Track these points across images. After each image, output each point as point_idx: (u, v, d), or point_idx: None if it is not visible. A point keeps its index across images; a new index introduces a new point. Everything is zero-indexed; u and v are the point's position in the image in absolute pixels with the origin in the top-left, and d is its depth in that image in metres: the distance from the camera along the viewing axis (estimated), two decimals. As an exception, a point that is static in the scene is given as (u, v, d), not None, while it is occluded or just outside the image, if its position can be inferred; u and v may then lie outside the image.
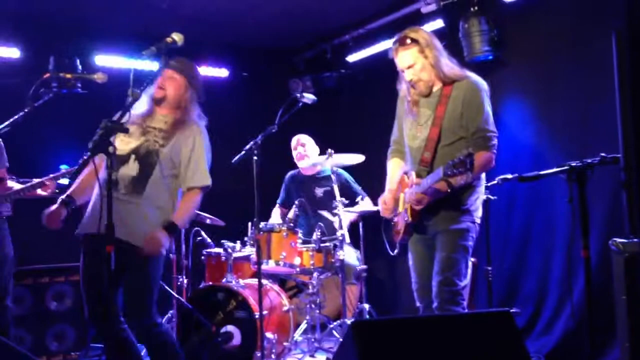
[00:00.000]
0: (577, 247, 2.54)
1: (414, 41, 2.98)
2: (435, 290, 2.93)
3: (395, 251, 3.19)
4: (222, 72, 6.07)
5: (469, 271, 3.03)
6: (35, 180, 3.86)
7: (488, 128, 2.95)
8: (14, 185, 3.96)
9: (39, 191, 3.87)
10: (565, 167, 2.49)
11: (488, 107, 2.99)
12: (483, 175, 3.10)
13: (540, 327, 4.18)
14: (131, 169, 3.07)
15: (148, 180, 3.05)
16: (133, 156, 3.08)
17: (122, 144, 3.10)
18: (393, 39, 3.08)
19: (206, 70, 5.91)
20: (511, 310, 3.32)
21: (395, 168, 3.27)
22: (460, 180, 2.81)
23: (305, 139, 5.03)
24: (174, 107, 3.18)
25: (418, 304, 3.10)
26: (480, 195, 3.08)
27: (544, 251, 4.25)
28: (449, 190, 2.84)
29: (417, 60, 2.99)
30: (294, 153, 5.02)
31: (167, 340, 3.08)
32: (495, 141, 2.97)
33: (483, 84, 3.03)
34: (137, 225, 3.01)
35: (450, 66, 3.01)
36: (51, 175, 3.86)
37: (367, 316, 4.46)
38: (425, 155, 2.98)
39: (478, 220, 3.05)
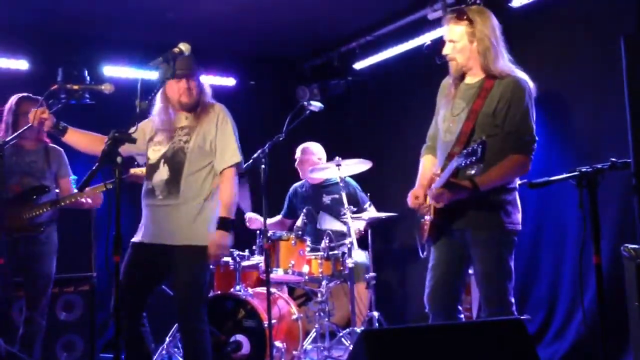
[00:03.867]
0: (588, 252, 2.50)
1: (470, 21, 2.79)
2: (484, 303, 2.84)
3: (425, 253, 3.04)
4: (229, 81, 6.09)
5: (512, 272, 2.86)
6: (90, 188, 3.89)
7: (526, 130, 2.75)
8: None
9: (86, 199, 3.87)
10: (576, 173, 2.45)
11: (529, 109, 2.77)
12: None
13: (552, 334, 4.14)
14: (162, 173, 3.14)
15: (180, 180, 3.11)
16: (162, 161, 3.16)
17: (153, 153, 3.22)
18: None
19: (213, 80, 5.93)
20: (522, 317, 3.28)
21: (427, 164, 3.08)
22: (492, 182, 2.69)
23: (314, 149, 4.96)
24: (195, 105, 3.22)
25: (427, 310, 2.95)
26: (516, 199, 2.86)
27: (555, 257, 4.22)
28: (472, 189, 2.68)
29: (461, 40, 2.81)
30: (302, 164, 4.91)
31: (203, 350, 3.08)
32: (533, 146, 2.76)
33: (528, 83, 2.80)
34: (180, 225, 3.09)
35: (499, 62, 2.80)
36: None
37: (377, 324, 4.43)
38: (455, 149, 2.77)
39: (516, 227, 2.83)
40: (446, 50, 2.89)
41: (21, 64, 5.08)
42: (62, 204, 3.82)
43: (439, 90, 3.07)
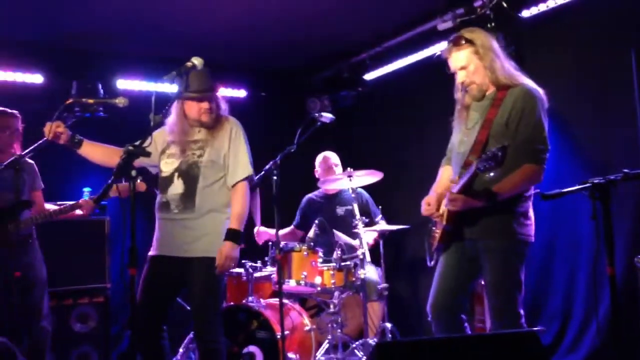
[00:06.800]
0: (602, 264, 2.50)
1: (469, 42, 2.85)
2: (492, 313, 2.84)
3: (432, 262, 3.06)
4: (240, 93, 6.12)
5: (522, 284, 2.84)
6: (69, 203, 3.95)
7: (539, 139, 2.76)
8: (50, 207, 4.03)
9: (77, 211, 3.92)
10: (588, 184, 2.45)
11: (542, 118, 2.78)
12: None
13: (567, 345, 4.12)
14: (177, 187, 3.17)
15: (195, 194, 3.15)
16: (176, 174, 3.20)
17: (166, 165, 3.25)
18: (449, 39, 2.94)
19: (224, 91, 5.96)
20: (536, 329, 3.27)
21: (445, 174, 3.11)
22: (505, 191, 2.70)
23: (337, 159, 5.00)
24: (214, 123, 3.26)
25: (429, 318, 2.94)
26: (529, 211, 2.86)
27: (569, 268, 4.20)
28: (488, 197, 2.69)
29: (470, 62, 2.86)
30: (326, 172, 4.89)
31: None
32: (545, 155, 2.77)
33: (539, 92, 2.82)
34: (196, 237, 3.13)
35: (506, 70, 2.85)
36: (87, 198, 3.93)
37: (390, 335, 4.42)
38: (470, 158, 2.78)
39: (528, 238, 2.83)
40: (460, 78, 2.91)
41: (36, 78, 5.14)
42: (57, 216, 3.89)
43: (455, 115, 3.06)
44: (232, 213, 3.18)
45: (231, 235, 3.13)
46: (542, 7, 4.32)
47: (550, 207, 4.21)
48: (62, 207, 3.96)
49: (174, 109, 3.18)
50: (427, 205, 2.99)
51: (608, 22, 3.99)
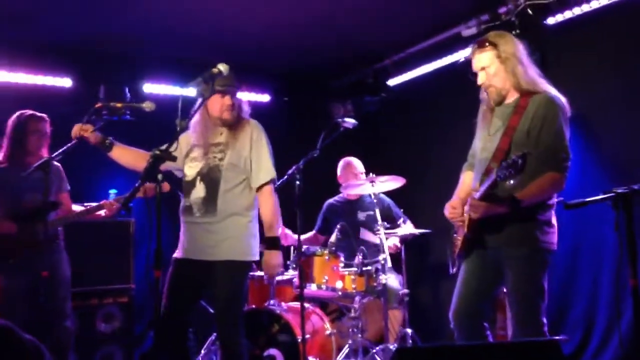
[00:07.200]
0: (625, 274, 2.48)
1: (493, 44, 2.86)
2: (514, 321, 2.83)
3: (454, 269, 3.04)
4: (264, 98, 6.16)
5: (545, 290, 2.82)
6: (94, 204, 4.03)
7: (561, 148, 2.75)
8: (77, 208, 4.12)
9: (101, 212, 4.00)
10: (612, 194, 2.43)
11: (563, 126, 2.77)
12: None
13: (589, 355, 4.08)
14: (199, 191, 3.21)
15: (217, 197, 3.18)
16: (198, 178, 3.23)
17: (190, 169, 3.29)
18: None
19: (248, 96, 6.00)
20: (559, 337, 3.24)
21: (467, 179, 3.11)
22: (527, 198, 2.69)
23: (361, 166, 4.99)
24: (234, 122, 3.30)
25: (452, 326, 2.93)
26: (552, 219, 2.84)
27: (592, 277, 4.16)
28: (512, 203, 2.68)
29: (491, 64, 2.86)
30: (349, 178, 4.87)
31: None
32: (567, 163, 2.76)
33: (561, 100, 2.81)
34: (218, 241, 3.17)
35: (528, 76, 2.84)
36: (113, 199, 4.01)
37: (410, 341, 4.42)
38: (492, 165, 2.79)
39: (551, 246, 2.81)
40: (481, 79, 2.92)
41: (65, 82, 5.25)
42: (83, 217, 3.97)
43: (478, 114, 3.07)
44: (264, 220, 3.24)
45: (270, 244, 3.21)
46: (567, 15, 4.30)
47: (573, 215, 4.15)
48: (87, 207, 4.04)
49: (199, 111, 3.22)
50: (452, 209, 2.99)
51: (633, 29, 3.96)
